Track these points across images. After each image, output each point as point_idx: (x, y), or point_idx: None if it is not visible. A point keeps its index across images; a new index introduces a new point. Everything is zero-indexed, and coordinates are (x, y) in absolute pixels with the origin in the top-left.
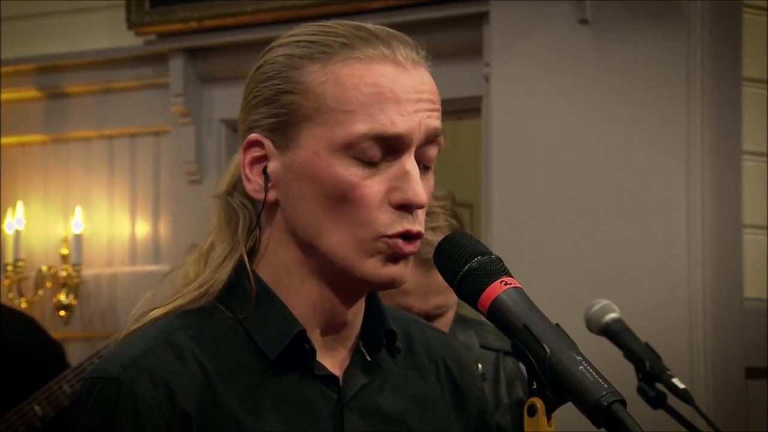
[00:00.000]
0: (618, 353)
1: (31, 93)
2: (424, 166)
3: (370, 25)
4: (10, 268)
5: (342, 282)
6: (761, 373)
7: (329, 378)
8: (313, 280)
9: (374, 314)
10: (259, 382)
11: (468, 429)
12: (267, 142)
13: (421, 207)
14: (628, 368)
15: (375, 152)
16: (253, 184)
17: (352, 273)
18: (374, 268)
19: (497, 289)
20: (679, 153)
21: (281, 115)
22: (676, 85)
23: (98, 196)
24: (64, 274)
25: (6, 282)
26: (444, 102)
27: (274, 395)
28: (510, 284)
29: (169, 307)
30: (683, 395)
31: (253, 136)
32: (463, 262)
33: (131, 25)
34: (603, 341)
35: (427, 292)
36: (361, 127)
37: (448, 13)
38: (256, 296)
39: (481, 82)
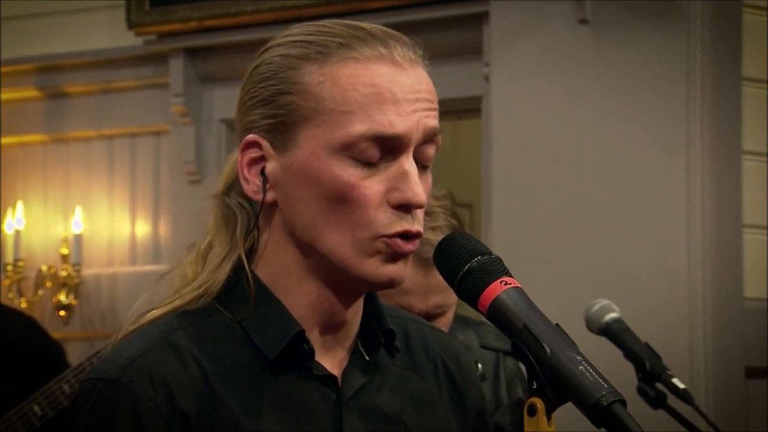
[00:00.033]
0: (618, 353)
1: (31, 93)
2: (422, 166)
3: (366, 25)
4: (10, 268)
5: (341, 282)
6: (761, 373)
7: (328, 378)
8: (311, 280)
9: (373, 314)
10: (257, 383)
11: (466, 428)
12: (265, 143)
13: (420, 207)
14: (628, 368)
15: (373, 153)
16: (252, 185)
17: (351, 273)
18: (374, 268)
19: (497, 288)
20: (679, 153)
21: (279, 116)
22: (676, 85)
23: (98, 196)
24: (64, 274)
25: (6, 282)
26: (444, 102)
27: (273, 395)
28: (510, 284)
29: (168, 307)
30: (683, 395)
31: (251, 137)
32: (463, 262)
33: (131, 25)
34: (603, 341)
35: (427, 291)
36: (359, 127)
37: (448, 13)
38: (254, 297)
39: (481, 82)
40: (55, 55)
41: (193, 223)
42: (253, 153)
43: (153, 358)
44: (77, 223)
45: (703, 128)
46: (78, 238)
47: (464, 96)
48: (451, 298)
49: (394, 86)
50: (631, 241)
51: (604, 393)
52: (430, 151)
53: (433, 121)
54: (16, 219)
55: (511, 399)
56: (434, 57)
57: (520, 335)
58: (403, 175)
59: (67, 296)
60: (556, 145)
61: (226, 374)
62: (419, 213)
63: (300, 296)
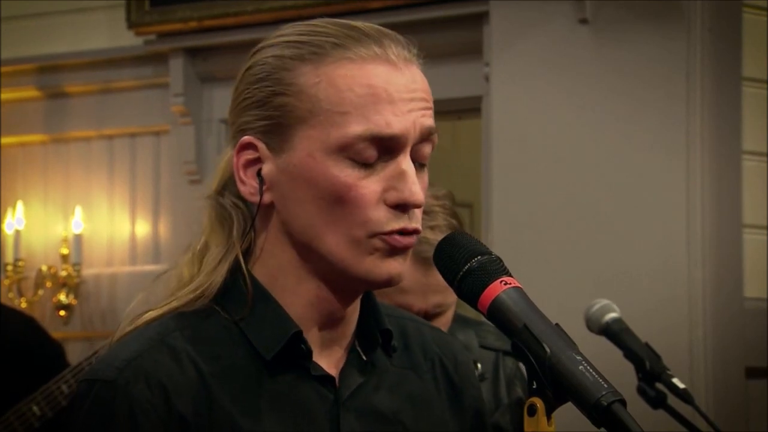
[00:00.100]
0: (618, 353)
1: (31, 93)
2: (419, 164)
3: (359, 24)
4: (10, 268)
5: (339, 282)
6: (761, 373)
7: (325, 378)
8: (310, 280)
9: (370, 313)
10: (255, 384)
11: (464, 427)
12: (260, 145)
13: (418, 206)
14: (628, 368)
15: (371, 153)
16: (248, 187)
17: (350, 272)
18: (373, 265)
19: (497, 288)
20: (679, 153)
21: (274, 117)
22: (676, 85)
23: (98, 196)
24: (64, 274)
25: (6, 282)
26: (444, 102)
27: (271, 396)
28: (510, 284)
29: (164, 309)
30: (683, 395)
31: (246, 138)
32: (463, 262)
33: (131, 24)
34: (603, 341)
35: (426, 290)
36: (356, 128)
37: (448, 13)
38: (252, 297)
39: (481, 82)
40: (55, 55)
41: (194, 223)
42: (249, 155)
43: (150, 360)
44: (77, 223)
45: (703, 128)
46: (78, 238)
47: (464, 96)
48: (450, 297)
49: (389, 86)
50: (631, 241)
51: (604, 393)
52: (427, 149)
53: (429, 120)
54: (16, 219)
55: (511, 399)
56: (434, 57)
57: (520, 335)
58: (401, 174)
59: (67, 296)
60: (556, 145)
61: (223, 375)
62: (417, 212)
63: (297, 296)
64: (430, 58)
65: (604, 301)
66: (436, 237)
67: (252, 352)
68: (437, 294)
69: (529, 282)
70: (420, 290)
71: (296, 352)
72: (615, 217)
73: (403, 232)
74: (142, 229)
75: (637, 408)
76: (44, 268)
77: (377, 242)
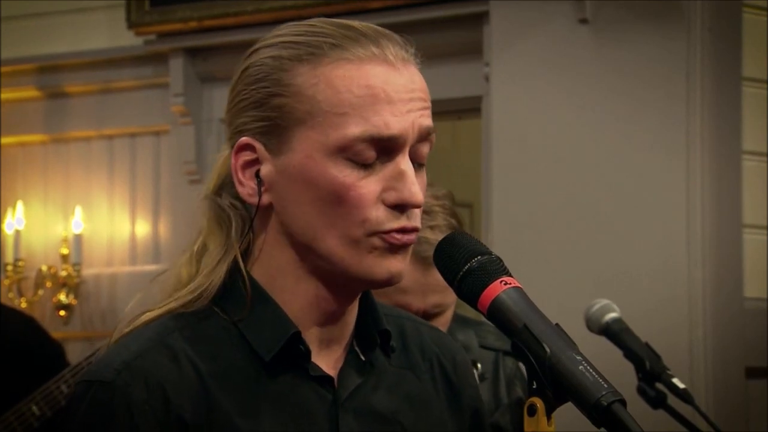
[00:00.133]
0: (618, 353)
1: (31, 93)
2: (417, 164)
3: (357, 24)
4: (10, 268)
5: (339, 281)
6: (761, 373)
7: (324, 379)
8: (309, 281)
9: (368, 314)
10: (254, 384)
11: (462, 427)
12: (258, 146)
13: (417, 207)
14: (628, 368)
15: (370, 154)
16: (247, 188)
17: (351, 272)
18: (373, 264)
19: (497, 288)
20: (679, 153)
21: (272, 119)
22: (675, 85)
23: (98, 196)
24: (64, 274)
25: (6, 282)
26: (444, 102)
27: (270, 397)
28: (510, 284)
29: (163, 309)
30: (683, 395)
31: (244, 139)
32: (463, 262)
33: (131, 24)
34: (603, 341)
35: (426, 290)
36: (354, 129)
37: (447, 13)
38: (250, 298)
39: (481, 81)
40: (55, 55)
41: (194, 224)
42: (247, 156)
43: (148, 361)
44: (77, 223)
45: (703, 128)
46: (78, 238)
47: (464, 96)
48: (450, 297)
49: (388, 86)
50: (631, 241)
51: (603, 393)
52: (425, 149)
53: (427, 120)
54: (16, 219)
55: (511, 399)
56: (434, 57)
57: (520, 335)
58: (400, 175)
59: (67, 296)
60: (556, 145)
61: (222, 376)
62: (416, 211)
63: (296, 297)
64: (429, 58)
65: (604, 301)
66: (436, 237)
67: (251, 353)
68: (436, 294)
69: (529, 282)
70: (419, 290)
71: (295, 352)
72: (615, 217)
73: (402, 231)
74: (142, 229)
75: (637, 408)
76: (44, 268)
77: (376, 240)
